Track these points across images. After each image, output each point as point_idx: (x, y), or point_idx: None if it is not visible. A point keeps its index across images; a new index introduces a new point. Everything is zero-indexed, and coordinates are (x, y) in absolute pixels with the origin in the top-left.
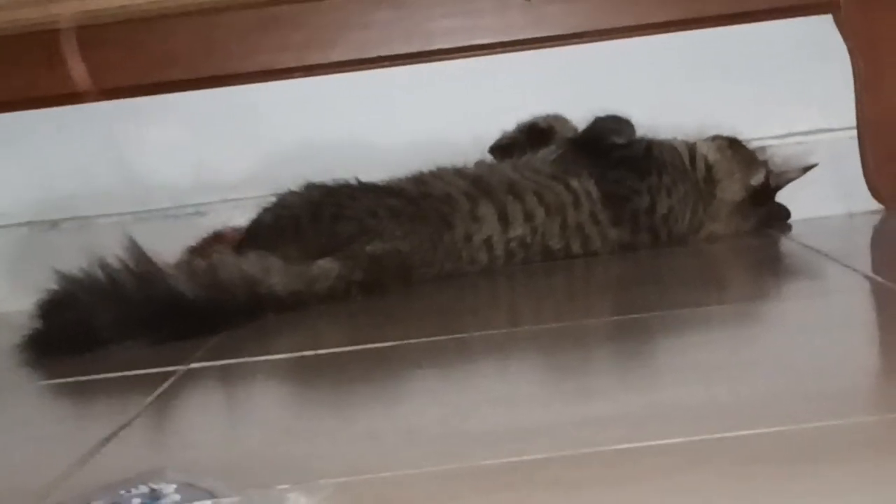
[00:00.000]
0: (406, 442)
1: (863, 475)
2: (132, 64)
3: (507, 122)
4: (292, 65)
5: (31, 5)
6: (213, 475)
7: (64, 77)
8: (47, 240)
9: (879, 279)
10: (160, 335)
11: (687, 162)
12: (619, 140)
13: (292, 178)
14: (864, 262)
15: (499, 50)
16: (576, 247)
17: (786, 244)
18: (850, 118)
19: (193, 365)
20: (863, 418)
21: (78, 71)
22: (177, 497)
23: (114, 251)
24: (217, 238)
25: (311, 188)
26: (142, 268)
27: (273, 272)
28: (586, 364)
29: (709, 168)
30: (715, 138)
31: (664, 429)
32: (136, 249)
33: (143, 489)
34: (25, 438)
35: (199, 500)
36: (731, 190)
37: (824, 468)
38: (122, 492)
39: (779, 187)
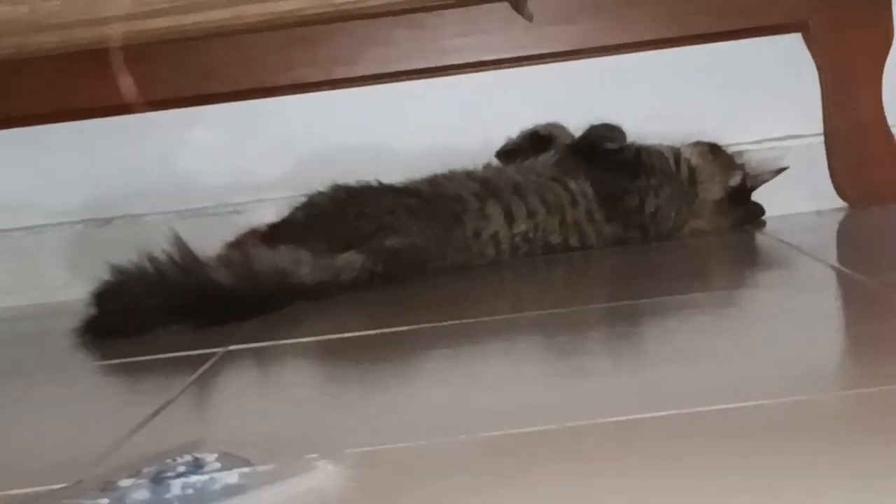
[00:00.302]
0: (421, 415)
1: (827, 443)
2: (176, 78)
3: (512, 129)
4: (320, 79)
5: (84, 26)
6: (249, 445)
7: (115, 90)
8: (100, 235)
9: (844, 270)
10: (201, 321)
11: (672, 165)
12: (612, 146)
13: (320, 180)
14: (831, 254)
15: (505, 65)
16: (573, 242)
17: (761, 239)
18: (819, 126)
19: (231, 347)
20: (828, 394)
21: (127, 84)
22: (217, 465)
23: (160, 245)
24: (253, 234)
25: (337, 189)
26: (185, 260)
27: (302, 264)
28: (583, 346)
29: (692, 171)
30: (697, 144)
31: (653, 403)
32: (180, 244)
33: (187, 458)
34: (82, 412)
35: (237, 467)
36: (712, 190)
37: (794, 437)
38: (168, 460)
39: (754, 188)
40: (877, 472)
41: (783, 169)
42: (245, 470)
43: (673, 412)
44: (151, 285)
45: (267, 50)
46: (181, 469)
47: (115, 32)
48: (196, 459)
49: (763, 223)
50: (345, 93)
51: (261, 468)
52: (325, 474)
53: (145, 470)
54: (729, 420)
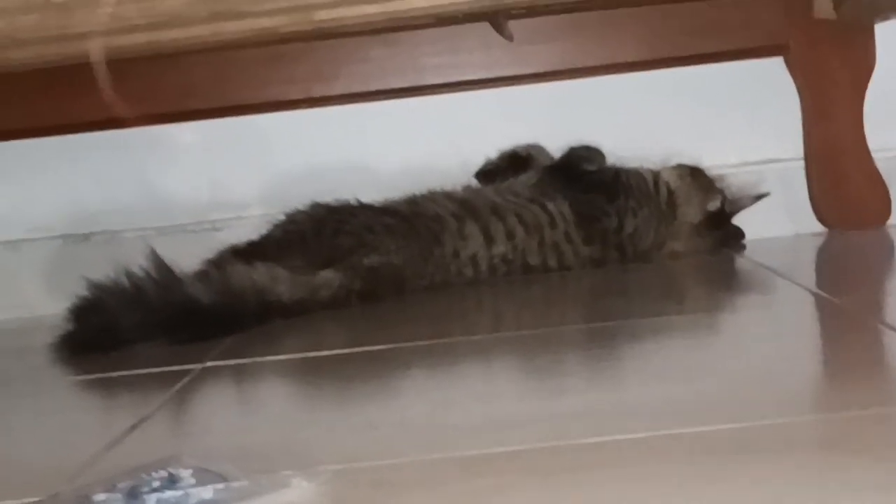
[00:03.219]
0: (398, 433)
1: (801, 465)
2: (155, 94)
3: (491, 150)
4: (298, 97)
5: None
6: (225, 461)
7: (93, 106)
8: (79, 251)
9: (822, 293)
10: (179, 337)
11: (651, 187)
12: (591, 167)
13: (299, 198)
14: (809, 278)
15: (484, 85)
16: (552, 262)
17: (740, 261)
18: (799, 149)
19: (209, 364)
20: (805, 417)
21: (106, 100)
22: (192, 480)
23: (138, 261)
24: (231, 251)
25: (315, 207)
26: (163, 276)
27: (280, 281)
28: (559, 366)
29: (670, 193)
30: (678, 166)
31: (627, 424)
32: (158, 260)
33: (163, 473)
34: (58, 427)
35: (212, 482)
36: (690, 213)
37: (768, 459)
38: (144, 475)
39: (733, 213)
40: (851, 495)
41: (763, 195)
42: (220, 486)
43: (647, 434)
44: (129, 301)
45: (246, 67)
46: (156, 484)
47: (94, 48)
48: (171, 475)
49: (742, 246)
50: (324, 111)
51: (235, 484)
52: (299, 491)
53: (120, 485)
54: (704, 442)
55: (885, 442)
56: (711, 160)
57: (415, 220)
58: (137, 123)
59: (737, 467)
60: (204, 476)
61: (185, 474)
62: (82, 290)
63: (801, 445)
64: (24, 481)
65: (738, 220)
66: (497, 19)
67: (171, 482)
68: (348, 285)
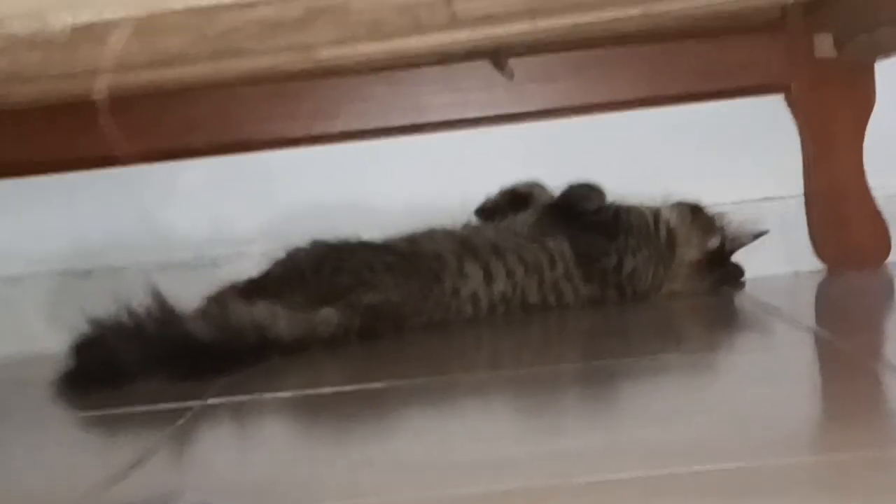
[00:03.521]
0: (395, 470)
1: None
2: (157, 131)
3: (491, 187)
4: (300, 134)
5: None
6: (226, 497)
7: (96, 143)
8: (80, 286)
9: (821, 333)
10: (179, 373)
11: (651, 226)
12: (591, 206)
13: (299, 235)
14: (809, 317)
15: (485, 123)
16: (551, 301)
17: (739, 300)
18: (799, 187)
19: (209, 401)
20: (802, 458)
21: (108, 137)
22: None
23: (139, 297)
24: (231, 288)
25: (315, 244)
26: (163, 313)
27: (280, 319)
28: (557, 405)
29: (670, 232)
30: (678, 205)
31: (624, 464)
32: (158, 296)
33: None
34: (58, 464)
35: None
36: (690, 252)
37: (765, 501)
38: None
39: (733, 251)
40: None
41: (763, 233)
42: None
43: (645, 473)
44: (129, 337)
45: (248, 104)
46: None
47: (97, 85)
48: None
49: (742, 285)
50: (325, 148)
51: None
52: None
53: None
54: (701, 482)
55: (883, 485)
56: (711, 198)
57: (414, 258)
58: (139, 161)
59: None
60: None
61: None
62: (83, 326)
63: (799, 487)
64: None
65: (737, 258)
66: (498, 58)
67: None
68: (347, 323)
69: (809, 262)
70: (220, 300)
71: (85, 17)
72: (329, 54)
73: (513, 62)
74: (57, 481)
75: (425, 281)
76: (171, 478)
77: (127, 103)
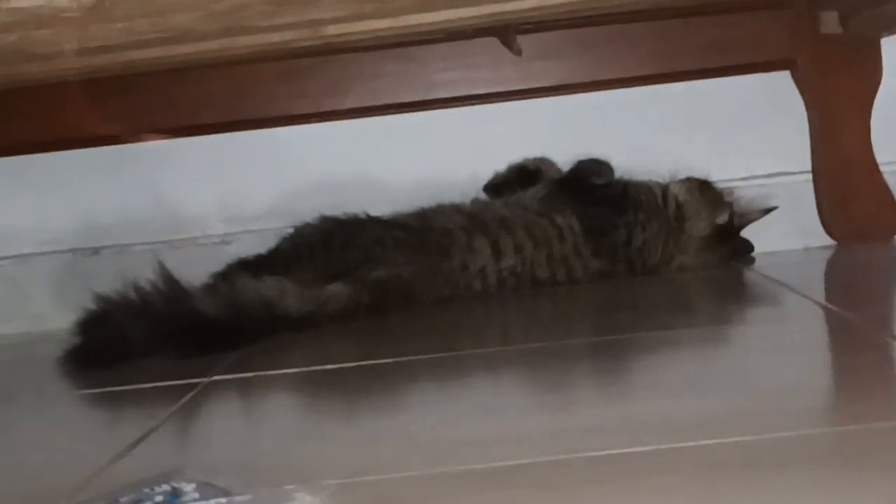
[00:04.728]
0: (404, 447)
1: (812, 480)
2: (165, 108)
3: (500, 163)
4: (309, 111)
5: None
6: (229, 475)
7: (104, 120)
8: (88, 265)
9: (831, 307)
10: (186, 350)
11: (660, 201)
12: (600, 181)
13: (308, 212)
14: (818, 291)
15: (494, 100)
16: (560, 276)
17: (749, 275)
18: (806, 163)
19: (215, 377)
20: (813, 430)
21: (116, 114)
22: (195, 495)
23: (147, 275)
24: (240, 264)
25: (324, 220)
26: (170, 290)
27: (288, 295)
28: (567, 379)
29: (679, 207)
30: (687, 180)
31: (635, 438)
32: (165, 273)
33: (166, 487)
34: (64, 440)
35: (215, 497)
36: (698, 227)
37: (778, 474)
38: (146, 489)
39: (742, 226)
40: None
41: (772, 208)
42: (223, 500)
43: (656, 447)
44: (136, 314)
45: (257, 81)
46: (159, 498)
47: (105, 63)
48: (174, 489)
49: (751, 259)
50: (334, 125)
51: (238, 498)
52: None
53: (123, 499)
54: (712, 455)
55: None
56: (720, 174)
57: (424, 233)
58: (147, 137)
59: (747, 481)
60: (207, 490)
61: (189, 488)
62: (90, 304)
63: (812, 459)
64: (27, 494)
65: (746, 234)
66: (507, 35)
67: (174, 496)
68: (356, 298)
69: (819, 238)
70: (228, 276)
71: None
72: (336, 31)
73: (521, 39)
74: (61, 458)
75: (434, 256)
76: (174, 456)
77: (136, 81)
